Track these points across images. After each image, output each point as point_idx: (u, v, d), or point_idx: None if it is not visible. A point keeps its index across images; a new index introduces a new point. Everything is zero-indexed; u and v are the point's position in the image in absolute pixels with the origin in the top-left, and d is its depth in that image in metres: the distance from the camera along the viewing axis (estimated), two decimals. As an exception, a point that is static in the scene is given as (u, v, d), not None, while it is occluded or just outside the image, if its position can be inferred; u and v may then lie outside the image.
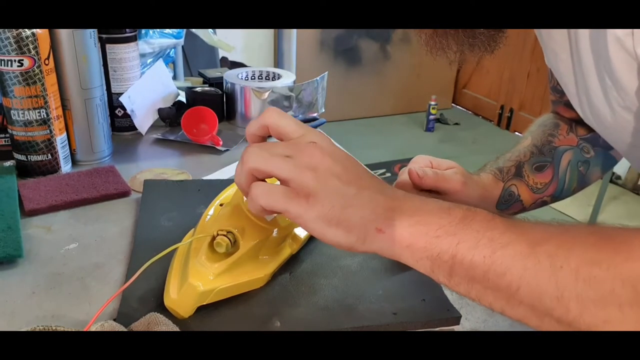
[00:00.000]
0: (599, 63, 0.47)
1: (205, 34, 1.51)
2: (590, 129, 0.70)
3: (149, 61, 1.31)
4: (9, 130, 0.71)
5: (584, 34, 0.47)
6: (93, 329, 0.41)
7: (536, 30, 0.59)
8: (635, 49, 0.41)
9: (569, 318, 0.35)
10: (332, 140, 0.44)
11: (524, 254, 0.37)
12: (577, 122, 0.70)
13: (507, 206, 0.63)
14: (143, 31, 1.27)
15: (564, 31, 0.52)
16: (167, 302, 0.46)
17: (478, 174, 0.63)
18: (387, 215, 0.40)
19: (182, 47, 1.60)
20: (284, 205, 0.40)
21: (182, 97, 0.98)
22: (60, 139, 0.73)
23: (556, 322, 0.36)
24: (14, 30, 0.64)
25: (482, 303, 0.39)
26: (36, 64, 0.67)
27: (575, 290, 0.35)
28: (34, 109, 0.69)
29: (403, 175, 0.58)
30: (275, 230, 0.51)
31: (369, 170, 0.45)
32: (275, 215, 0.51)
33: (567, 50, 0.52)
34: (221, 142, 0.85)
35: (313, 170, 0.40)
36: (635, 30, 0.40)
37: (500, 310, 0.38)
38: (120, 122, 0.89)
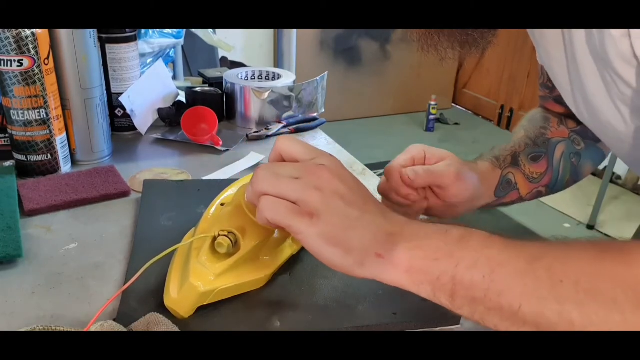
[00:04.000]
0: (598, 60, 0.46)
1: (205, 34, 1.50)
2: (579, 122, 0.70)
3: (148, 61, 1.31)
4: (9, 130, 0.71)
5: (579, 32, 0.47)
6: (93, 329, 0.41)
7: (528, 30, 0.59)
8: (634, 51, 0.41)
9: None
10: (341, 163, 0.45)
11: (522, 270, 0.37)
12: (566, 115, 0.70)
13: (505, 193, 0.63)
14: (143, 31, 1.27)
15: (557, 30, 0.52)
16: (168, 301, 0.46)
17: (475, 162, 0.63)
18: (388, 240, 0.41)
19: (182, 47, 1.59)
20: (287, 221, 0.41)
21: (182, 97, 0.98)
22: (60, 139, 0.73)
23: None
24: (13, 30, 0.64)
25: (488, 325, 0.39)
26: (36, 64, 0.67)
27: (577, 302, 0.35)
28: (34, 108, 0.69)
29: (389, 179, 0.58)
30: (276, 230, 0.51)
31: (373, 195, 0.45)
32: None
33: (560, 48, 0.52)
34: (221, 142, 0.85)
35: (319, 190, 0.41)
36: (632, 31, 0.40)
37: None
38: (120, 122, 0.89)
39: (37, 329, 0.41)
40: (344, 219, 0.41)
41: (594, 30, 0.44)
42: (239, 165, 0.79)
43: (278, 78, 0.99)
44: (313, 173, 0.42)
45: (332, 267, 0.42)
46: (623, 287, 0.34)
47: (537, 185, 0.66)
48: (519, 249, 0.39)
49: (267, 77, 1.01)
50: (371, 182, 0.76)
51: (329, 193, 0.41)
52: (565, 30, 0.50)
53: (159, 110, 0.91)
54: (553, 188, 0.68)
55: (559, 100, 0.69)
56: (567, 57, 0.52)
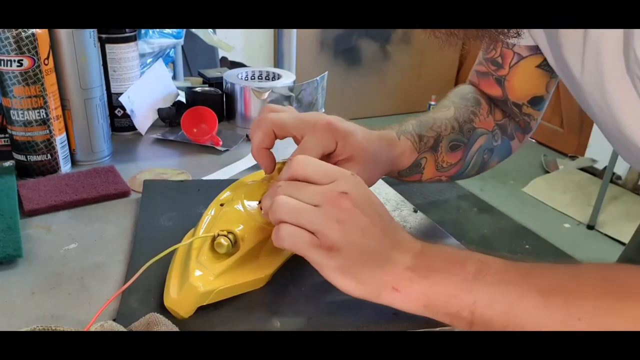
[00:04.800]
0: (633, 74, 0.45)
1: (205, 34, 1.50)
2: (504, 115, 0.69)
3: (148, 61, 1.30)
4: (9, 131, 0.71)
5: (610, 42, 0.45)
6: (93, 329, 0.41)
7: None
8: None
9: None
10: (363, 183, 0.45)
11: (539, 306, 0.38)
12: (496, 104, 0.69)
13: (409, 174, 0.63)
14: (143, 31, 1.27)
15: (577, 37, 0.49)
16: (167, 302, 0.46)
17: (398, 135, 0.60)
18: (404, 275, 0.42)
19: (182, 47, 1.59)
20: (306, 252, 0.42)
21: (182, 97, 0.98)
22: (59, 139, 0.73)
23: None
24: (13, 30, 0.64)
25: None
26: (36, 64, 0.67)
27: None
28: (34, 109, 0.69)
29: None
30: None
31: (394, 219, 0.46)
32: None
33: (577, 54, 0.50)
34: (221, 142, 0.85)
35: (340, 223, 0.42)
36: None
37: None
38: (120, 122, 0.89)
39: (37, 329, 0.40)
40: (363, 253, 0.42)
41: (636, 44, 0.42)
42: (239, 165, 0.79)
43: (278, 78, 0.99)
44: (334, 203, 0.42)
45: (349, 295, 0.43)
46: (635, 324, 0.35)
47: (442, 174, 0.65)
48: (534, 282, 0.40)
49: (267, 77, 1.01)
50: (371, 182, 0.76)
51: (349, 226, 0.42)
52: (591, 38, 0.47)
53: (159, 110, 0.91)
54: (455, 179, 0.68)
55: (500, 82, 0.67)
56: (582, 64, 0.50)
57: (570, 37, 0.50)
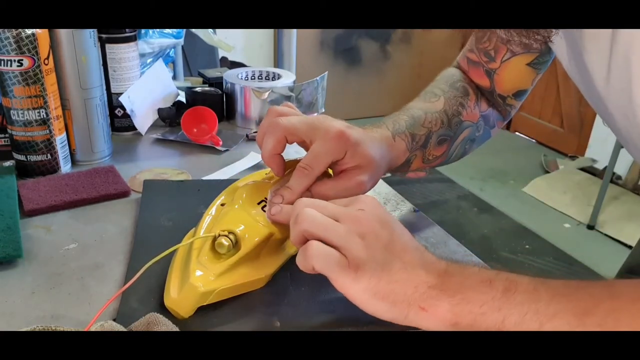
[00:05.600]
0: None
1: (205, 34, 1.50)
2: (489, 105, 0.70)
3: (148, 61, 1.30)
4: (9, 130, 0.71)
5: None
6: (93, 329, 0.41)
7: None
8: None
9: None
10: (377, 203, 0.46)
11: (571, 325, 0.37)
12: (482, 93, 0.70)
13: (398, 170, 0.63)
14: (143, 31, 1.27)
15: (606, 36, 0.46)
16: (168, 302, 0.46)
17: (393, 135, 0.60)
18: (430, 294, 0.41)
19: (182, 47, 1.59)
20: (335, 274, 0.42)
21: (182, 97, 0.98)
22: (59, 139, 0.73)
23: None
24: (13, 30, 0.64)
25: None
26: (36, 64, 0.67)
27: None
28: (34, 109, 0.69)
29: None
30: (277, 231, 0.51)
31: (414, 238, 0.45)
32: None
33: (602, 61, 0.47)
34: (221, 142, 0.85)
35: (362, 238, 0.42)
36: None
37: None
38: (119, 122, 0.89)
39: (37, 329, 0.40)
40: (387, 271, 0.42)
41: None
42: (239, 165, 0.79)
43: (278, 78, 0.99)
44: (355, 219, 0.43)
45: (377, 317, 0.43)
46: None
47: (426, 165, 0.66)
48: (567, 301, 0.38)
49: (267, 77, 1.01)
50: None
51: (371, 240, 0.42)
52: (620, 42, 0.45)
53: (159, 110, 0.91)
54: (435, 166, 0.69)
55: (490, 74, 0.68)
56: (609, 69, 0.47)
57: (596, 42, 0.48)
